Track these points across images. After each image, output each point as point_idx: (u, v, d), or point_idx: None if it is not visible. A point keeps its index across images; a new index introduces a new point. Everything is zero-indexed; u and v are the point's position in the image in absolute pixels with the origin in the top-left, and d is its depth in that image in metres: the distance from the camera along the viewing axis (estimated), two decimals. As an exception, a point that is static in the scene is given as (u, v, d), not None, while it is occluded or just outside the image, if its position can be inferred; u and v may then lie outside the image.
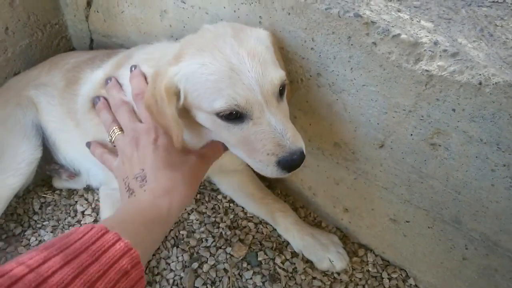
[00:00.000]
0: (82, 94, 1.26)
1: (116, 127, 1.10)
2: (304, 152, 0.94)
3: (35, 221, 1.42)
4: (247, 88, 0.90)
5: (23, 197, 1.48)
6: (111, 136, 1.10)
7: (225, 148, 1.10)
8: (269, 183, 1.49)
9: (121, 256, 0.72)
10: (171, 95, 0.96)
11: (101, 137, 1.21)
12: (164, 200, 0.96)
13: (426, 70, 0.88)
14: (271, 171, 0.95)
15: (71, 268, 0.67)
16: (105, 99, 1.16)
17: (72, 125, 1.32)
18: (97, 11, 1.51)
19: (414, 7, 0.99)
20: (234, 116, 0.93)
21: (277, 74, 0.94)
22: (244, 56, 0.92)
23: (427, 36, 0.89)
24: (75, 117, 1.29)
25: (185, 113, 1.02)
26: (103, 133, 1.17)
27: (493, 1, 1.03)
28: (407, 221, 1.18)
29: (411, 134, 0.99)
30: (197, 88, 0.94)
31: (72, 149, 1.41)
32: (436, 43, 0.87)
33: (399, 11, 0.96)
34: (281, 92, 0.97)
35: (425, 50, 0.88)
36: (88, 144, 1.20)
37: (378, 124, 1.03)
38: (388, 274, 1.31)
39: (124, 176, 1.03)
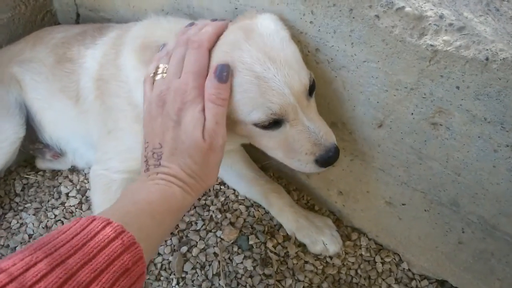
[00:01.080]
0: (84, 73, 1.23)
1: (164, 66, 0.93)
2: (337, 145, 0.97)
3: (17, 203, 1.37)
4: (278, 94, 0.89)
5: (4, 178, 1.42)
6: (154, 74, 0.94)
7: None
8: (261, 166, 1.46)
9: (122, 252, 0.65)
10: None
11: (104, 117, 1.19)
12: (174, 190, 0.85)
13: (431, 45, 0.84)
14: (309, 168, 0.97)
15: (61, 271, 0.59)
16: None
17: (68, 103, 1.27)
18: (83, -16, 1.45)
19: (418, -20, 0.95)
20: (273, 123, 0.93)
21: (302, 72, 0.93)
22: (265, 60, 0.89)
23: (432, 10, 0.85)
24: (74, 95, 1.25)
25: None
26: (109, 115, 1.16)
27: (498, -23, 0.99)
28: (403, 204, 1.15)
29: (412, 113, 0.96)
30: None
31: (59, 128, 1.36)
32: (441, 16, 0.84)
33: (402, -16, 0.93)
34: (310, 89, 0.96)
35: (430, 24, 0.84)
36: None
37: (377, 102, 1.00)
38: (382, 258, 1.29)
39: (145, 138, 0.92)
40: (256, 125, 0.93)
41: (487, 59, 0.80)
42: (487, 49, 0.80)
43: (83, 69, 1.22)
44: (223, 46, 0.93)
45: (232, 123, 0.96)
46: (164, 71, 0.92)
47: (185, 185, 0.86)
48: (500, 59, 0.79)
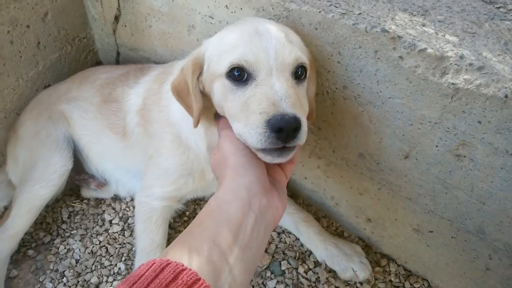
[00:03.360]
0: (129, 110, 1.33)
1: None
2: (302, 123, 0.85)
3: (64, 230, 1.45)
4: (262, 49, 0.90)
5: (51, 206, 1.51)
6: None
7: None
8: (291, 193, 1.52)
9: None
10: (196, 66, 0.99)
11: (146, 144, 1.29)
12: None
13: (453, 83, 0.90)
14: (257, 134, 0.84)
15: None
16: None
17: (115, 138, 1.37)
18: (125, 26, 1.56)
19: (438, 21, 1.01)
20: (241, 77, 0.91)
21: (298, 52, 0.93)
22: (271, 28, 0.94)
23: (453, 50, 0.91)
24: (121, 130, 1.35)
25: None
26: (150, 142, 1.26)
27: (516, 15, 1.05)
28: (430, 231, 1.19)
29: (437, 146, 1.01)
30: (218, 51, 0.96)
31: (106, 160, 1.46)
32: (461, 57, 0.90)
33: (423, 26, 0.99)
34: (298, 76, 0.94)
35: (451, 63, 0.90)
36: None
37: (403, 135, 1.05)
38: (411, 284, 1.32)
39: None
40: (227, 75, 0.92)
41: (506, 96, 0.85)
42: (506, 87, 0.86)
43: (128, 106, 1.33)
44: (249, 17, 1.04)
45: (211, 80, 0.97)
46: None
47: None
48: (519, 96, 0.84)
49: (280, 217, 0.90)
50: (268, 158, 0.89)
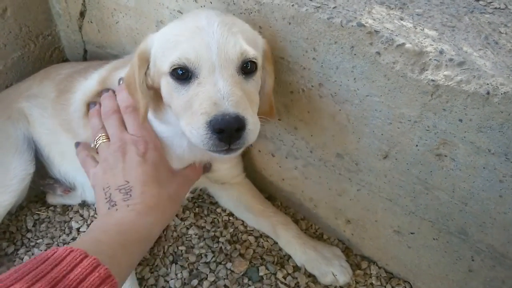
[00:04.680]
0: (75, 100, 1.24)
1: (103, 134, 1.08)
2: (246, 122, 0.84)
3: (29, 239, 1.38)
4: (204, 45, 0.87)
5: (15, 214, 1.43)
6: (96, 143, 1.08)
7: (204, 171, 1.18)
8: (268, 195, 1.47)
9: (99, 285, 0.70)
10: (143, 61, 0.96)
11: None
12: (147, 220, 0.93)
13: (432, 80, 0.86)
14: (199, 135, 0.84)
15: None
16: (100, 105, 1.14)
17: (66, 136, 1.28)
18: (91, 22, 1.48)
19: (417, 15, 0.97)
20: (185, 76, 0.89)
21: (244, 45, 0.89)
22: (215, 21, 0.90)
23: (432, 45, 0.87)
24: (69, 128, 1.26)
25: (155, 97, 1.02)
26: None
27: (496, 8, 1.01)
28: (411, 233, 1.15)
29: (417, 145, 0.97)
30: (162, 47, 0.93)
31: (66, 162, 1.36)
32: (441, 52, 0.86)
33: (402, 20, 0.94)
34: (246, 71, 0.91)
35: (430, 59, 0.86)
36: (77, 144, 1.17)
37: (382, 134, 1.01)
38: (392, 287, 1.29)
39: (104, 185, 0.99)
40: (171, 74, 0.90)
41: (488, 93, 0.81)
42: (487, 84, 0.82)
43: (74, 99, 1.24)
44: (198, 10, 1.01)
45: (158, 76, 0.95)
46: (104, 139, 1.06)
47: (157, 215, 0.96)
48: (501, 93, 0.80)
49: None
50: (216, 155, 0.91)
